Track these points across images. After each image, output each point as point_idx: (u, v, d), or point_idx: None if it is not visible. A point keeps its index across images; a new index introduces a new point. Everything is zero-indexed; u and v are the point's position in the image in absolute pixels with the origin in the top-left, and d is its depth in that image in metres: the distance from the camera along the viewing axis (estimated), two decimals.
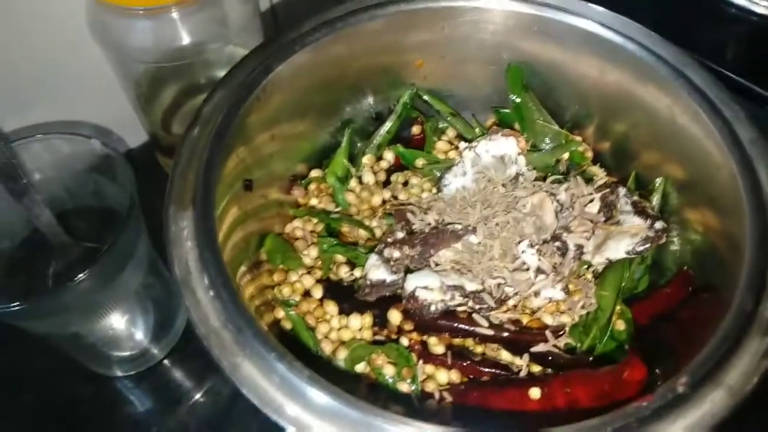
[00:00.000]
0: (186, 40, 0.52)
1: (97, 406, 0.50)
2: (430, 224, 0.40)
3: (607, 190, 0.39)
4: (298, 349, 0.37)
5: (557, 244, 0.37)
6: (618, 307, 0.39)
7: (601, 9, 0.42)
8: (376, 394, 0.37)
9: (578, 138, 0.47)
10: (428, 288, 0.36)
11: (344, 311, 0.40)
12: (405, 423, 0.27)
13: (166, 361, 0.52)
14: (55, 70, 0.56)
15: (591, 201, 0.38)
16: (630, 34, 0.41)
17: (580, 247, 0.37)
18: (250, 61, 0.42)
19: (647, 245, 0.38)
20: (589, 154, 0.47)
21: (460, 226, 0.38)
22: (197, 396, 0.51)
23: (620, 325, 0.38)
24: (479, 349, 0.39)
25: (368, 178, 0.48)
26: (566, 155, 0.46)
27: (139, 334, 0.50)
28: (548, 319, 0.38)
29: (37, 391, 0.51)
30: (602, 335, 0.37)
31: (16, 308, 0.37)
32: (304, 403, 0.28)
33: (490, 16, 0.44)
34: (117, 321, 0.47)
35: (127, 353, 0.50)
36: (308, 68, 0.43)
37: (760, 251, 0.32)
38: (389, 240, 0.39)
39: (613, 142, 0.46)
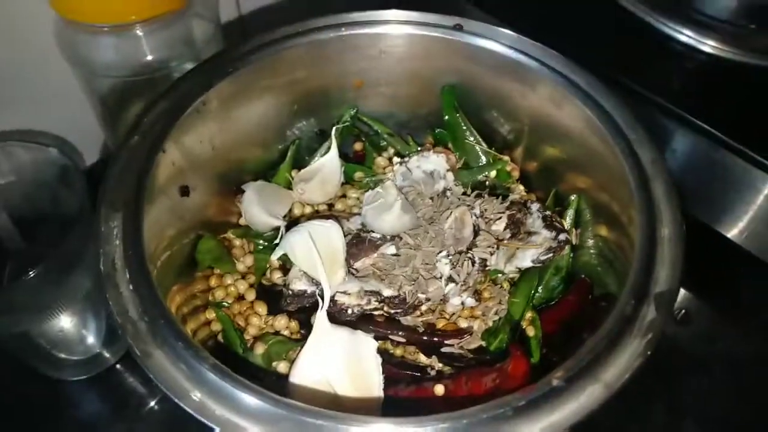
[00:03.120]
0: (150, 55, 0.55)
1: (47, 409, 0.51)
2: (351, 233, 0.42)
3: (515, 208, 0.42)
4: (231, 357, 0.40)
5: (469, 255, 0.39)
6: (529, 314, 0.41)
7: (520, 37, 0.46)
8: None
9: (506, 158, 0.50)
10: (347, 293, 0.39)
11: (272, 312, 0.42)
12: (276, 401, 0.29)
13: (118, 366, 0.53)
14: (19, 82, 0.58)
15: (499, 218, 0.41)
16: (545, 60, 0.44)
17: (483, 261, 0.40)
18: (193, 75, 0.45)
19: (550, 255, 0.41)
20: (516, 173, 0.50)
21: (378, 236, 0.41)
22: (151, 403, 0.51)
23: (531, 331, 0.41)
24: (398, 352, 0.41)
25: None
26: (493, 173, 0.49)
27: (91, 338, 0.51)
28: (463, 323, 0.41)
29: None
30: (510, 338, 0.40)
31: None
32: (207, 390, 0.30)
33: (422, 41, 0.48)
34: (67, 323, 0.48)
35: (78, 357, 0.52)
36: (249, 86, 0.46)
37: (645, 262, 0.34)
38: None
39: (539, 162, 0.49)
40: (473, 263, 0.39)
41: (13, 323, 0.46)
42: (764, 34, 0.61)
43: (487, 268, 0.40)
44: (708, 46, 0.60)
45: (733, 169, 0.53)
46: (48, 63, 0.57)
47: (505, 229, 0.41)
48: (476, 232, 0.40)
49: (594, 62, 0.53)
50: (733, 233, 0.57)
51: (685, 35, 0.60)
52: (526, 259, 0.40)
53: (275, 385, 0.37)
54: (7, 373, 0.52)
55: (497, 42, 0.46)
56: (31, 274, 0.40)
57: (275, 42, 0.46)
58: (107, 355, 0.52)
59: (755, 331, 0.57)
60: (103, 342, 0.52)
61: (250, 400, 0.29)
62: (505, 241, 0.41)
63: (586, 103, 0.42)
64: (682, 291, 0.56)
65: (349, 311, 0.39)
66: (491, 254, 0.40)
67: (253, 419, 0.29)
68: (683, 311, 0.57)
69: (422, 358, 0.40)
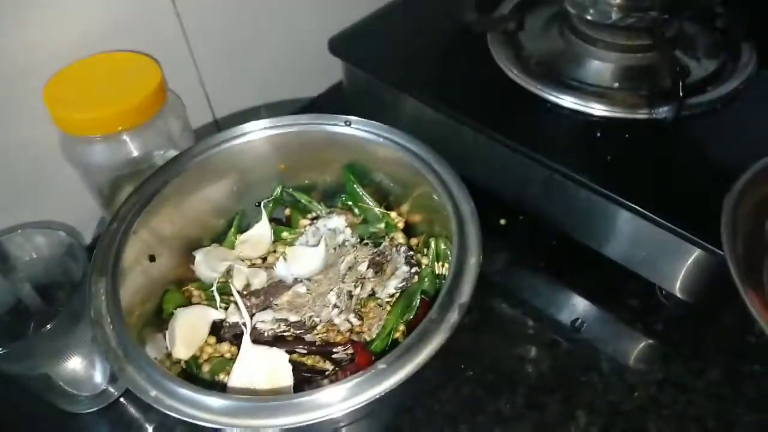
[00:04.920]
0: (135, 153, 0.67)
1: None
2: (275, 278, 0.59)
3: (379, 252, 0.58)
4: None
5: (348, 289, 0.55)
6: (402, 327, 0.57)
7: (391, 128, 0.62)
8: None
9: (393, 213, 0.65)
10: (263, 321, 0.55)
11: (219, 341, 0.58)
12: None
13: (122, 399, 0.62)
14: (34, 184, 0.72)
15: (363, 262, 0.57)
16: (408, 146, 0.60)
17: (349, 292, 0.55)
18: (155, 175, 0.60)
19: (404, 283, 0.57)
20: (401, 224, 0.65)
21: (290, 280, 0.57)
22: (149, 429, 0.61)
23: (401, 338, 0.56)
24: (309, 361, 0.56)
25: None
26: (382, 225, 0.65)
27: (98, 377, 0.60)
28: (353, 336, 0.56)
29: (16, 426, 0.62)
30: (384, 344, 0.55)
31: (1, 352, 0.50)
32: (161, 389, 0.46)
33: (324, 134, 0.64)
34: (77, 365, 0.58)
35: (88, 393, 0.61)
36: (197, 179, 0.62)
37: (452, 282, 0.49)
38: (244, 293, 0.58)
39: (417, 214, 0.65)
40: (348, 294, 0.55)
41: (35, 366, 0.56)
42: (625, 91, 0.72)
43: (352, 297, 0.56)
44: (588, 107, 0.69)
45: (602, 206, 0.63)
46: (55, 169, 0.71)
47: (368, 268, 0.57)
48: (346, 273, 0.56)
49: (480, 123, 0.67)
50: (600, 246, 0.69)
51: (567, 100, 0.70)
52: (390, 287, 0.56)
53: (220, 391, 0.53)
54: (31, 408, 0.62)
55: (374, 134, 0.62)
56: (48, 327, 0.51)
57: (213, 146, 0.62)
58: (112, 390, 0.62)
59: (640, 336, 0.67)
60: (108, 379, 0.61)
61: (183, 392, 0.45)
62: (368, 278, 0.56)
63: (432, 173, 0.58)
64: (584, 303, 0.69)
65: (266, 334, 0.54)
66: (355, 287, 0.56)
67: (189, 405, 0.45)
68: (580, 320, 0.68)
69: (325, 364, 0.56)
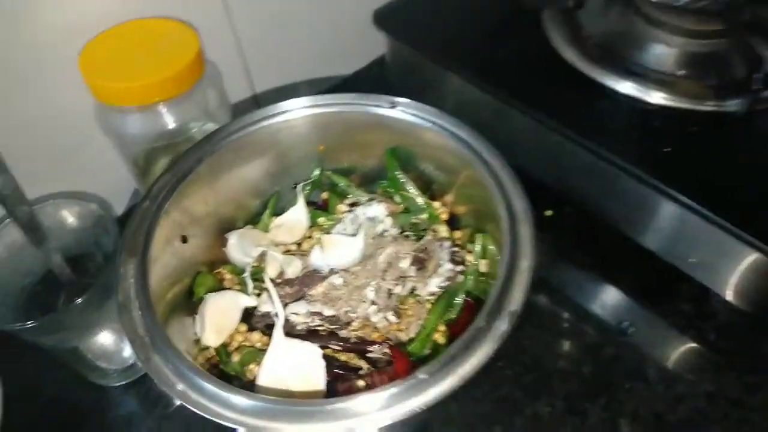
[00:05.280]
0: (172, 125, 0.66)
1: (93, 409, 0.61)
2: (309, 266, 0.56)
3: (422, 248, 0.54)
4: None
5: (388, 287, 0.52)
6: (442, 328, 0.53)
7: (440, 111, 0.58)
8: None
9: (437, 203, 0.62)
10: (297, 313, 0.52)
11: (250, 330, 0.56)
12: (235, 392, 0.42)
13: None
14: (68, 155, 0.72)
15: (405, 257, 0.53)
16: (455, 131, 0.56)
17: (389, 290, 0.52)
18: (189, 153, 0.57)
19: (448, 282, 0.53)
20: (445, 216, 0.61)
21: (326, 270, 0.54)
22: (176, 404, 0.60)
23: (441, 340, 0.53)
24: (343, 357, 0.53)
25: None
26: (425, 216, 0.61)
27: (127, 351, 0.60)
28: (390, 335, 0.53)
29: (47, 396, 0.62)
30: (422, 346, 0.52)
31: (32, 325, 0.49)
32: (189, 383, 0.44)
33: (368, 116, 0.60)
34: (107, 339, 0.58)
35: (117, 366, 0.61)
36: (232, 158, 0.59)
37: (502, 287, 0.46)
38: (277, 281, 0.55)
39: (463, 206, 0.61)
40: (388, 292, 0.52)
41: (66, 339, 0.56)
42: (690, 80, 0.68)
43: (392, 295, 0.52)
44: (647, 95, 0.65)
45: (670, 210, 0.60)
46: (89, 139, 0.70)
47: (411, 265, 0.53)
48: (386, 268, 0.53)
49: (530, 106, 0.63)
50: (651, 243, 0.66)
51: (626, 86, 0.66)
52: (433, 285, 0.53)
53: (250, 386, 0.51)
54: (63, 381, 0.63)
55: (421, 117, 0.58)
56: (79, 300, 0.51)
57: (251, 123, 0.59)
58: (140, 365, 0.61)
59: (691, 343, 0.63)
60: None
61: (212, 388, 0.43)
62: (409, 276, 0.53)
63: (482, 164, 0.53)
64: (631, 304, 0.65)
65: (299, 327, 0.52)
66: (396, 285, 0.52)
67: (215, 402, 0.43)
68: (627, 322, 0.64)
69: (360, 362, 0.53)
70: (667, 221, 0.63)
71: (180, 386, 0.44)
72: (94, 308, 0.54)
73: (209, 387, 0.43)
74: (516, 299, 0.45)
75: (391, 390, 0.41)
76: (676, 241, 0.64)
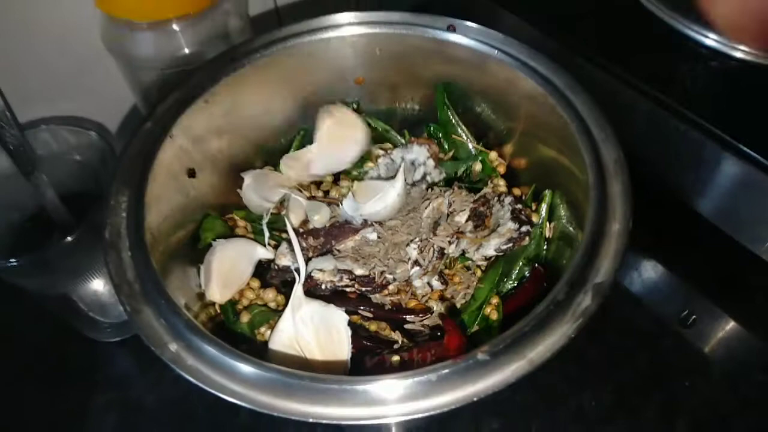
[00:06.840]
0: (186, 49, 0.59)
1: (85, 365, 0.56)
2: (338, 217, 0.46)
3: (481, 202, 0.44)
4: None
5: (440, 244, 0.42)
6: (495, 300, 0.44)
7: (507, 38, 0.48)
8: None
9: (493, 154, 0.52)
10: (321, 270, 0.43)
11: (264, 286, 0.47)
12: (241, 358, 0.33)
13: None
14: (69, 75, 0.64)
15: (462, 211, 0.44)
16: (529, 62, 0.46)
17: (441, 249, 0.42)
18: (203, 70, 0.49)
19: (510, 245, 0.43)
20: (502, 169, 0.52)
21: (358, 222, 0.45)
22: None
23: (493, 315, 0.43)
24: (373, 327, 0.44)
25: None
26: (478, 166, 0.51)
27: None
28: (433, 304, 0.44)
29: (32, 346, 0.58)
30: (472, 319, 0.43)
31: (14, 263, 0.44)
32: (184, 344, 0.35)
33: (416, 41, 0.50)
34: (100, 287, 0.53)
35: (112, 320, 0.56)
36: (254, 81, 0.50)
37: (587, 254, 0.36)
38: (300, 230, 0.46)
39: (525, 159, 0.51)
40: (436, 250, 0.42)
41: (55, 284, 0.51)
42: None
43: (444, 256, 0.43)
44: (734, 50, 0.58)
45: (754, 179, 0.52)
46: (93, 58, 0.62)
47: (467, 220, 0.43)
48: (438, 222, 0.43)
49: (612, 63, 0.54)
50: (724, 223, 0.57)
51: (711, 39, 0.59)
52: (490, 248, 0.43)
53: (260, 350, 0.42)
54: (51, 332, 0.58)
55: (485, 43, 0.48)
56: (68, 239, 0.45)
57: (280, 40, 0.50)
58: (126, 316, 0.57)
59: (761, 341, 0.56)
60: None
61: (213, 352, 0.34)
62: (466, 233, 0.43)
63: (560, 103, 0.44)
64: (696, 294, 0.58)
65: (323, 286, 0.42)
66: (449, 243, 0.43)
67: (217, 370, 0.34)
68: (690, 313, 0.57)
69: (393, 334, 0.44)
70: (747, 193, 0.53)
71: (173, 346, 0.35)
72: (86, 250, 0.48)
73: (209, 350, 0.34)
74: (604, 269, 0.36)
75: (441, 371, 0.32)
76: (755, 221, 0.55)
